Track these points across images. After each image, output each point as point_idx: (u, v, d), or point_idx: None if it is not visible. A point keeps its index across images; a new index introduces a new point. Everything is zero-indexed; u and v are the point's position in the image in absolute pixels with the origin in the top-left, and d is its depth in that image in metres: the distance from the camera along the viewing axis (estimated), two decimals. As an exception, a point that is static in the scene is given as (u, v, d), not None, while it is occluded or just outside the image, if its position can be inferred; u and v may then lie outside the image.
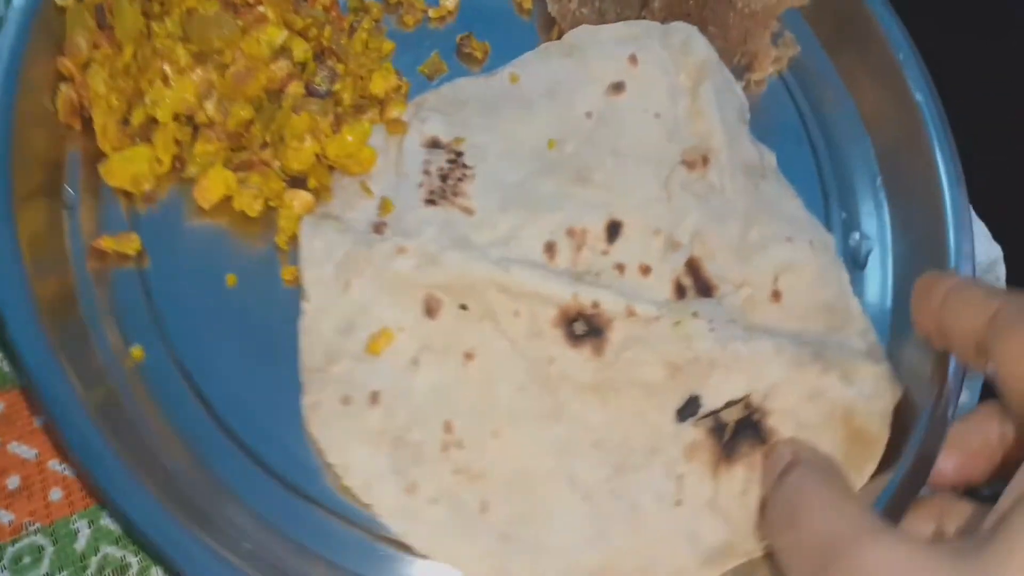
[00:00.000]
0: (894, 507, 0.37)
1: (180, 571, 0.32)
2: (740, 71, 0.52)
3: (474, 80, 0.47)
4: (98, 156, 0.42)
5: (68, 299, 0.39)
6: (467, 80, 0.47)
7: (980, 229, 0.53)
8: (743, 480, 0.38)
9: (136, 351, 0.38)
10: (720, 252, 0.42)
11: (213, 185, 0.42)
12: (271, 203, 0.43)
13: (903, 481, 0.38)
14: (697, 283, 0.41)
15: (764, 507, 0.36)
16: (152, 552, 0.33)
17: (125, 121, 0.43)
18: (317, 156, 0.43)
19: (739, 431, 0.38)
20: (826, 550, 0.28)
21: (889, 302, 0.46)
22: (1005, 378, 0.31)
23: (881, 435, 0.39)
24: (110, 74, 0.43)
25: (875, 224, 0.49)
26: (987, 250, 0.53)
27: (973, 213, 0.48)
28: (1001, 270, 0.53)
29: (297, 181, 0.43)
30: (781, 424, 0.38)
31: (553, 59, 0.47)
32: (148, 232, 0.42)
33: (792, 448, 0.36)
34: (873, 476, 0.39)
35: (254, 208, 0.42)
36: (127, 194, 0.42)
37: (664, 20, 0.49)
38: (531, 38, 0.51)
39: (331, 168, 0.44)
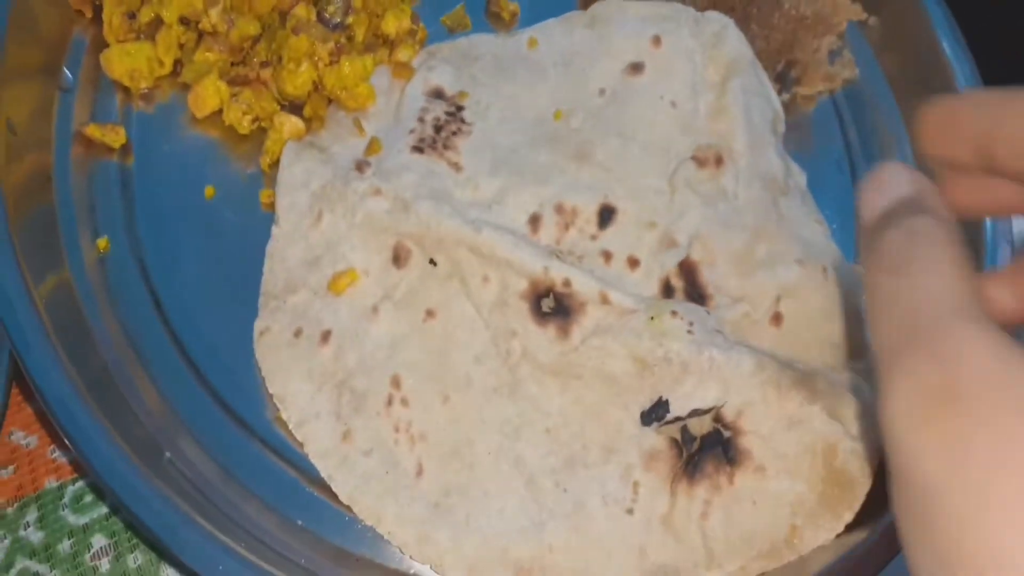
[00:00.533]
0: (862, 567, 0.35)
1: (91, 465, 0.33)
2: (790, 82, 0.49)
3: (492, 38, 0.46)
4: (102, 46, 0.43)
5: (42, 178, 0.40)
6: (485, 36, 0.46)
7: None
8: (703, 503, 0.36)
9: (102, 242, 0.39)
10: (721, 260, 0.40)
11: (206, 94, 0.42)
12: (262, 123, 0.43)
13: (880, 541, 0.35)
14: (690, 288, 0.39)
15: (863, 238, 0.27)
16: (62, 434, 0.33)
17: (133, 15, 0.43)
18: (314, 84, 0.43)
19: (706, 447, 0.36)
20: (924, 316, 0.23)
21: None
22: None
23: (863, 481, 0.36)
24: (126, -34, 0.43)
25: None
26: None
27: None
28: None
29: (295, 108, 0.43)
30: (754, 447, 0.36)
31: (576, 29, 0.45)
32: (138, 130, 0.42)
33: (917, 184, 0.28)
34: (850, 528, 0.36)
35: (243, 124, 0.42)
36: (125, 89, 0.43)
37: (705, 10, 0.47)
38: (566, 5, 0.49)
39: (329, 100, 0.44)
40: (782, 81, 0.49)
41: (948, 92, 0.48)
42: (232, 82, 0.43)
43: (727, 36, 0.45)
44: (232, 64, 0.43)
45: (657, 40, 0.44)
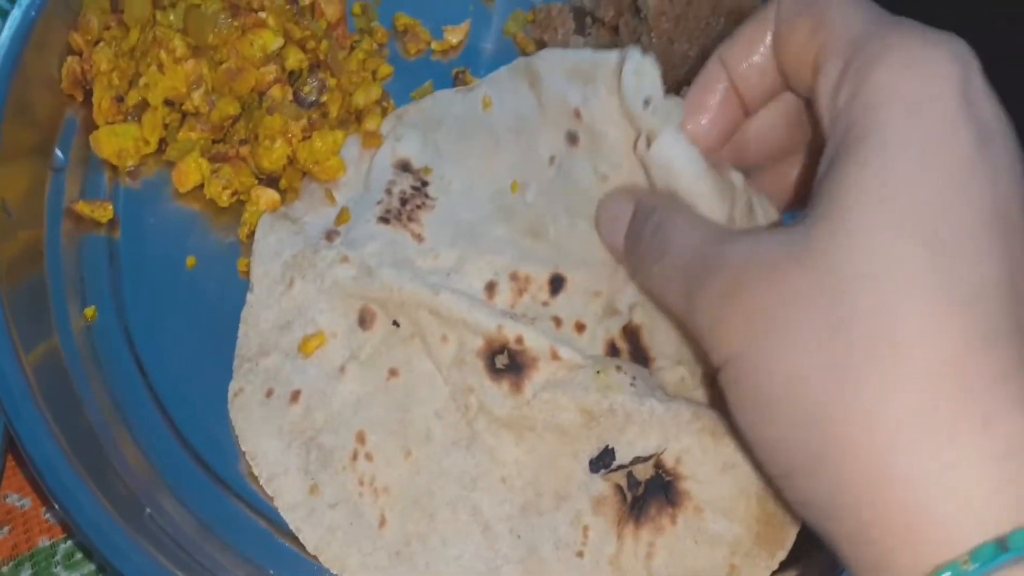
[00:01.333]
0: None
1: (77, 525, 0.36)
2: None
3: (451, 94, 0.49)
4: (92, 128, 0.47)
5: (35, 253, 0.43)
6: (445, 93, 0.50)
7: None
8: (648, 544, 0.39)
9: (90, 311, 0.43)
10: (661, 326, 0.42)
11: (189, 170, 0.46)
12: (241, 196, 0.47)
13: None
14: (634, 350, 0.42)
15: (628, 249, 0.39)
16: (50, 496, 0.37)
17: (121, 99, 0.47)
18: (289, 159, 0.47)
19: (649, 491, 0.39)
20: (695, 262, 0.32)
21: None
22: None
23: (794, 521, 0.39)
24: (115, 54, 0.47)
25: None
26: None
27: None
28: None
29: (272, 181, 0.47)
30: (692, 490, 0.39)
31: (520, 86, 0.48)
32: (125, 205, 0.46)
33: (635, 195, 0.39)
34: (784, 565, 0.39)
35: (223, 198, 0.46)
36: (113, 167, 0.47)
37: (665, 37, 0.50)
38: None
39: (303, 173, 0.48)
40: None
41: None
42: (213, 159, 0.46)
43: (645, 72, 0.43)
44: (213, 142, 0.48)
45: (578, 113, 0.45)
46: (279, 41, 0.48)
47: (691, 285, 0.32)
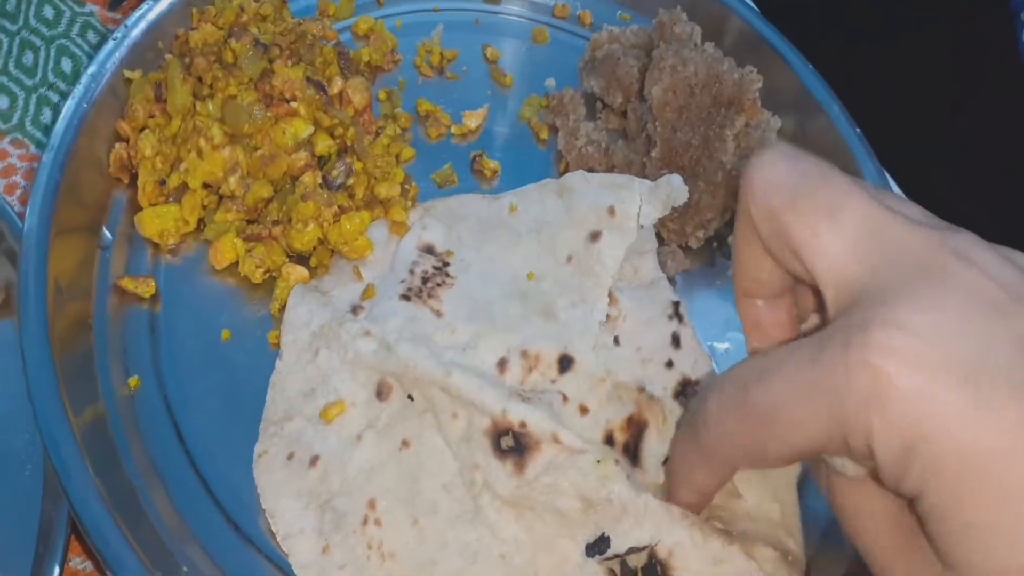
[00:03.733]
0: None
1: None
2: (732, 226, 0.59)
3: (479, 199, 0.56)
4: (137, 209, 0.53)
5: (85, 326, 0.49)
6: (473, 197, 0.56)
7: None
8: None
9: (133, 381, 0.48)
10: (661, 432, 0.47)
11: (225, 249, 0.52)
12: (272, 273, 0.53)
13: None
14: (631, 444, 0.46)
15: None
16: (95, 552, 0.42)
17: (163, 182, 0.54)
18: (320, 240, 0.53)
19: None
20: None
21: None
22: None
23: None
24: (158, 140, 0.54)
25: None
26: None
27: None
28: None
29: (302, 258, 0.53)
30: None
31: (548, 197, 0.55)
32: (165, 280, 0.52)
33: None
34: None
35: (256, 275, 0.52)
36: (155, 245, 0.53)
37: (661, 169, 0.56)
38: (542, 166, 0.61)
39: (332, 251, 0.54)
40: (731, 226, 0.59)
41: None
42: (247, 239, 0.53)
43: (678, 196, 0.53)
44: (247, 223, 0.54)
45: (612, 210, 0.52)
46: (310, 129, 0.55)
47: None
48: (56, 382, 0.44)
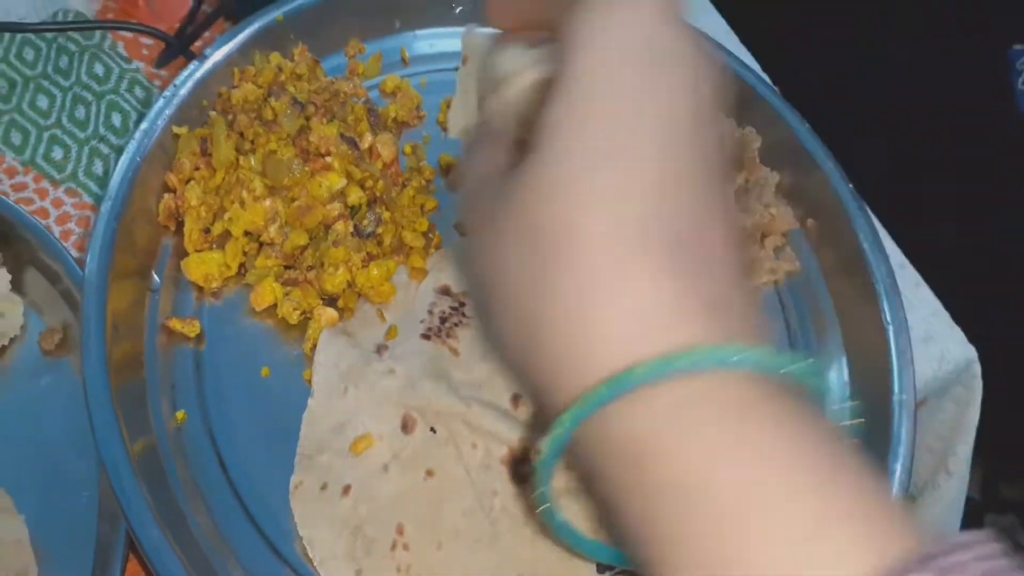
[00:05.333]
0: None
1: None
2: None
3: None
4: (183, 254, 0.59)
5: (137, 363, 0.55)
6: None
7: (956, 334, 0.67)
8: None
9: (180, 415, 0.54)
10: None
11: (265, 292, 0.58)
12: (307, 315, 0.58)
13: None
14: None
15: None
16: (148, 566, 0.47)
17: (208, 230, 0.59)
18: (348, 283, 0.59)
19: None
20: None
21: None
22: None
23: None
24: (203, 191, 0.60)
25: None
26: (963, 351, 0.66)
27: (949, 318, 0.61)
28: (976, 369, 0.67)
29: (331, 301, 0.59)
30: None
31: None
32: (209, 321, 0.57)
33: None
34: None
35: (293, 316, 0.57)
36: (199, 288, 0.58)
37: None
38: None
39: (359, 295, 0.59)
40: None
41: (868, 284, 0.62)
42: (285, 283, 0.58)
43: None
44: (285, 268, 0.59)
45: None
46: (343, 182, 0.60)
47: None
48: (114, 414, 0.50)
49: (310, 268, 0.59)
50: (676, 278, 0.29)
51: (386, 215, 0.61)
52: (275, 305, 0.58)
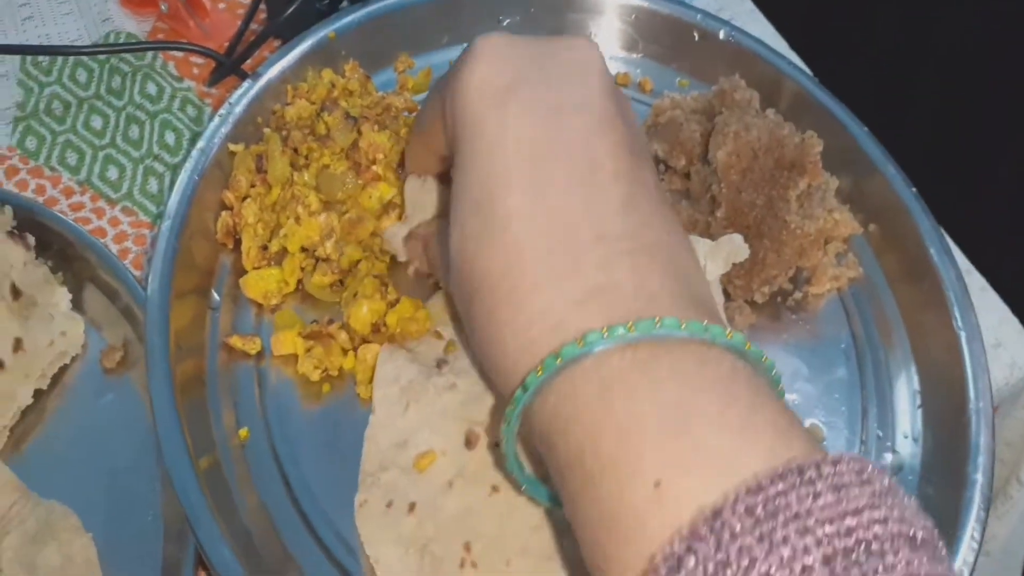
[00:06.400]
0: None
1: None
2: (801, 282, 0.63)
3: None
4: (241, 272, 0.59)
5: (199, 380, 0.55)
6: None
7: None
8: None
9: (243, 432, 0.54)
10: None
11: (285, 341, 0.56)
12: (328, 373, 0.56)
13: None
14: None
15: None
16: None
17: (265, 247, 0.60)
18: (375, 325, 0.57)
19: None
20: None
21: None
22: None
23: None
24: (259, 208, 0.60)
25: (908, 447, 0.58)
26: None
27: (1018, 324, 0.62)
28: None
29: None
30: None
31: None
32: (268, 338, 0.57)
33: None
34: None
35: (314, 374, 0.55)
36: (258, 305, 0.59)
37: (726, 228, 0.60)
38: None
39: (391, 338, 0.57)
40: (794, 282, 0.63)
41: (936, 289, 0.61)
42: (308, 337, 0.56)
43: (739, 253, 0.57)
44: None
45: None
46: (393, 192, 0.60)
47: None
48: (181, 433, 0.50)
49: (331, 322, 0.57)
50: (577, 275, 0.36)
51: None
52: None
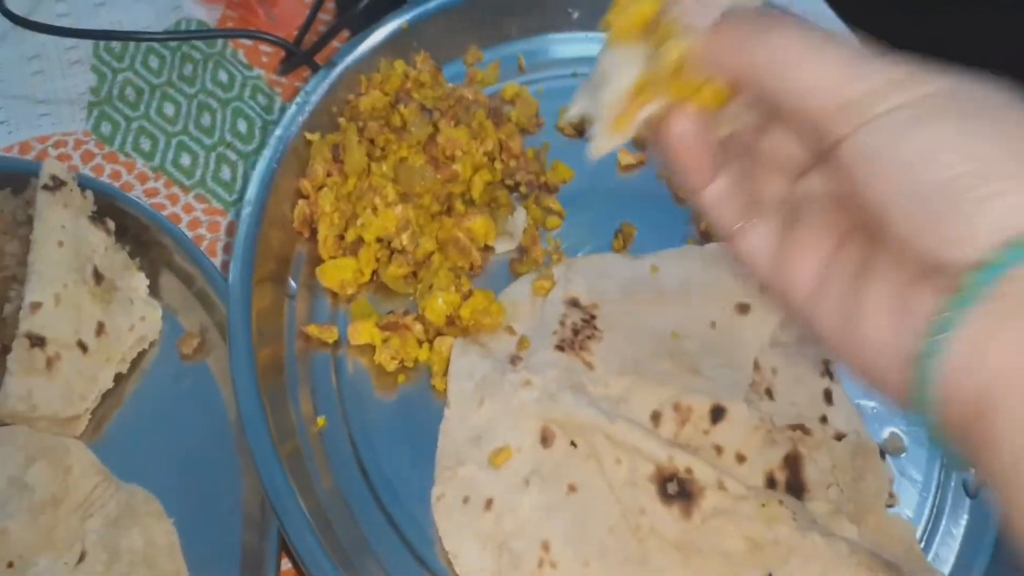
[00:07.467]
0: None
1: None
2: None
3: (620, 259, 0.61)
4: (317, 260, 0.59)
5: (278, 367, 0.55)
6: (613, 257, 0.61)
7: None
8: None
9: (321, 420, 0.54)
10: (822, 449, 0.51)
11: (363, 331, 0.56)
12: (404, 363, 0.56)
13: None
14: (792, 479, 0.50)
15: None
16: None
17: (341, 236, 0.60)
18: (450, 317, 0.57)
19: None
20: None
21: (991, 537, 0.53)
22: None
23: None
24: (336, 197, 0.60)
25: None
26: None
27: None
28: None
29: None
30: None
31: (692, 263, 0.59)
32: (345, 327, 0.57)
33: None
34: None
35: (390, 364, 0.55)
36: (334, 294, 0.59)
37: None
38: (678, 224, 0.64)
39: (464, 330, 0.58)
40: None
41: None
42: (384, 327, 0.56)
43: None
44: (386, 312, 0.58)
45: None
46: (488, 227, 0.61)
47: None
48: (265, 419, 0.50)
49: (406, 313, 0.57)
50: None
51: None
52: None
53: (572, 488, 0.51)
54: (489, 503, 0.51)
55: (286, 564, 0.51)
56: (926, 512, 0.54)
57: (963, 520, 0.54)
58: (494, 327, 0.58)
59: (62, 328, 0.53)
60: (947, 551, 0.53)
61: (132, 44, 0.74)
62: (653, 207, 0.66)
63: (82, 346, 0.53)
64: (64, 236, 0.55)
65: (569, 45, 0.74)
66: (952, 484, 0.55)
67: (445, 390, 0.55)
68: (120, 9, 0.77)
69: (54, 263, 0.54)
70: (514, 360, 0.56)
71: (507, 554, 0.50)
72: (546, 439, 0.53)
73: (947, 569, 0.53)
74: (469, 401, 0.55)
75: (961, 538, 0.53)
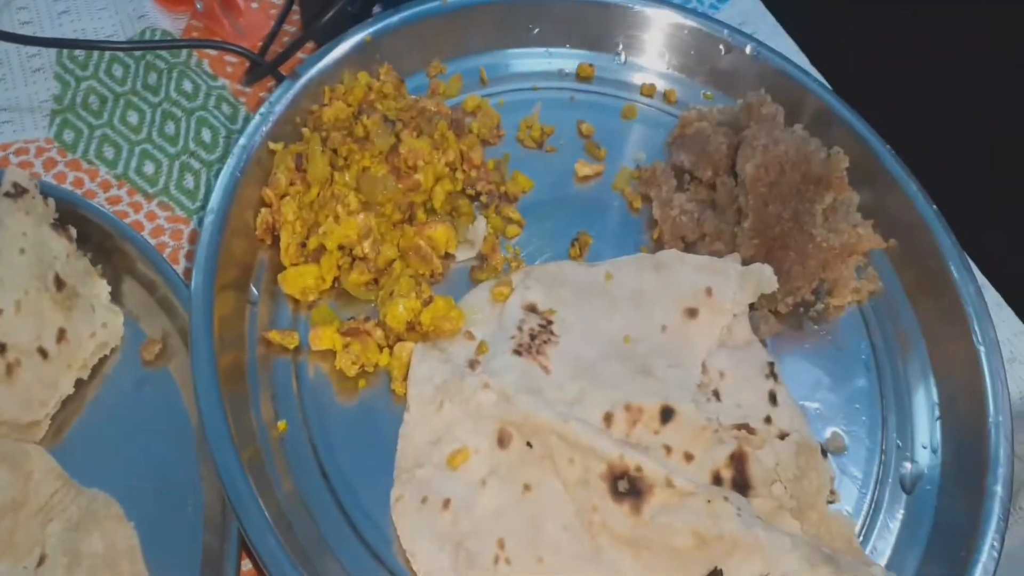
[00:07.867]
0: None
1: None
2: (822, 294, 0.65)
3: (576, 266, 0.63)
4: (279, 268, 0.60)
5: (239, 373, 0.56)
6: (570, 264, 0.63)
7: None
8: None
9: (282, 424, 0.55)
10: (766, 448, 0.53)
11: (323, 337, 0.57)
12: (364, 368, 0.57)
13: None
14: (737, 477, 0.52)
15: None
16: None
17: (303, 244, 0.61)
18: (410, 323, 0.58)
19: None
20: None
21: (926, 530, 0.56)
22: None
23: None
24: (298, 206, 0.61)
25: (927, 457, 0.59)
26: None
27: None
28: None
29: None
30: None
31: (644, 270, 0.61)
32: (306, 333, 0.58)
33: None
34: None
35: (351, 370, 0.56)
36: (295, 300, 0.60)
37: (752, 238, 0.62)
38: (633, 232, 0.67)
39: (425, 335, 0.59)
40: (816, 294, 0.65)
41: (956, 304, 0.63)
42: (345, 333, 0.58)
43: (768, 285, 0.60)
44: (346, 319, 0.59)
45: (710, 291, 0.59)
46: (449, 235, 0.62)
47: None
48: (227, 423, 0.51)
49: (367, 319, 0.59)
50: None
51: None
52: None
53: (527, 487, 0.53)
54: (447, 503, 0.52)
55: (246, 565, 0.52)
56: (865, 507, 0.57)
57: (899, 515, 0.57)
58: (454, 332, 0.59)
59: (23, 334, 0.53)
60: (884, 544, 0.56)
61: (96, 52, 0.75)
62: (608, 217, 0.68)
63: (43, 352, 0.54)
64: (25, 243, 0.55)
65: (530, 60, 0.76)
66: (890, 481, 0.58)
67: (405, 394, 0.57)
68: (84, 17, 0.78)
69: (15, 270, 0.54)
70: (473, 364, 0.57)
71: (463, 552, 0.51)
72: (503, 440, 0.54)
73: (884, 561, 0.55)
74: (428, 404, 0.56)
75: (897, 532, 0.56)
